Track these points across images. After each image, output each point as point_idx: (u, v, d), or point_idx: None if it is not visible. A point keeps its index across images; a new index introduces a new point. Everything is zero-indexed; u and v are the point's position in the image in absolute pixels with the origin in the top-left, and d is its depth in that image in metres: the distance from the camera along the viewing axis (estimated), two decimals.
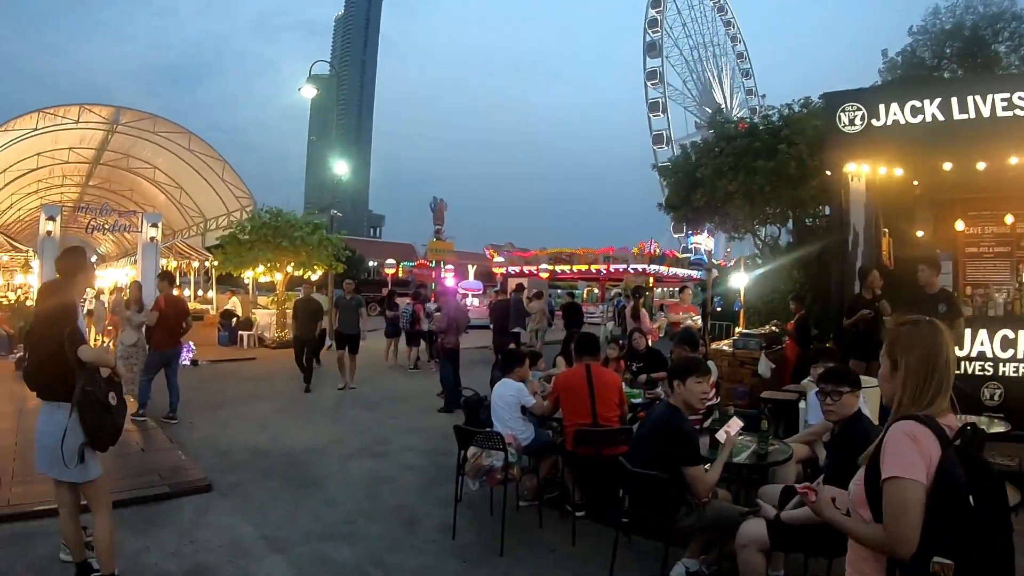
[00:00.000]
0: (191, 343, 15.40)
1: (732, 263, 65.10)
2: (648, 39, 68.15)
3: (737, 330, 12.86)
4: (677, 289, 51.46)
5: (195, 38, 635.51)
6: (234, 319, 19.88)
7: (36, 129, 19.29)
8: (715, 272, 61.37)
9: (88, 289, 13.05)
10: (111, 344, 12.64)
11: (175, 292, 10.19)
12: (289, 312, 19.87)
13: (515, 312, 14.86)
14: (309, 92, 20.42)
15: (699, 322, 11.89)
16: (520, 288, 16.49)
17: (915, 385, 2.11)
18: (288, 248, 18.06)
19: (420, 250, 69.55)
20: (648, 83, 68.15)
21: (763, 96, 72.91)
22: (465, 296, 32.88)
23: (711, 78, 73.98)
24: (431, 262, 53.05)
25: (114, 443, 4.02)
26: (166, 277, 9.71)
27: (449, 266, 40.15)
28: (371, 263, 68.53)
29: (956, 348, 6.58)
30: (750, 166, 15.67)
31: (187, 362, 14.83)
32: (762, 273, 14.73)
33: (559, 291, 33.27)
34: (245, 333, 19.25)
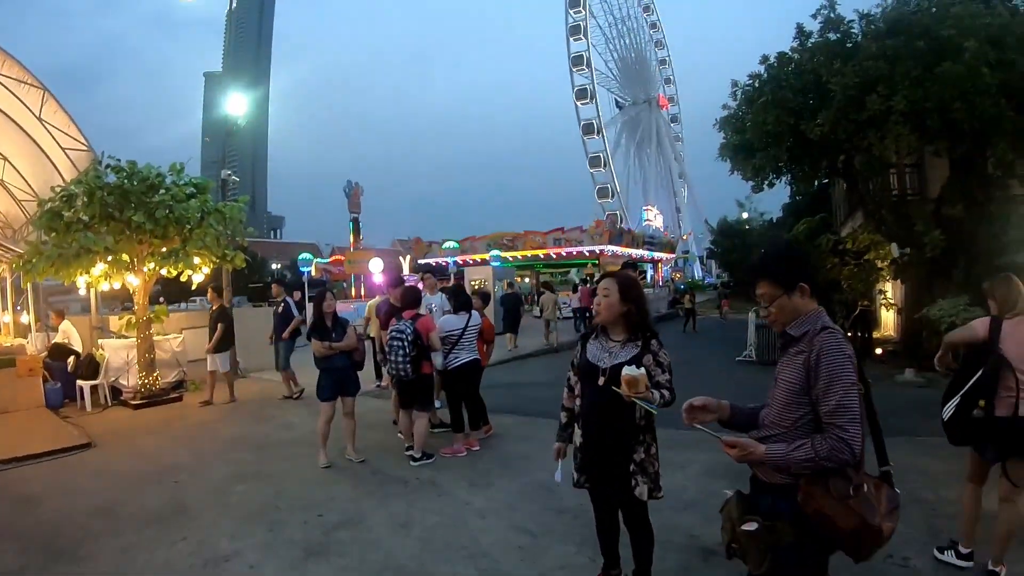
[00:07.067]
0: None
1: (683, 239, 61.34)
2: (571, 21, 65.69)
3: None
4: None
5: (89, 39, 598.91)
6: (70, 359, 11.52)
7: None
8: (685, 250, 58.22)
9: None
10: None
11: None
12: (168, 340, 12.02)
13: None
14: None
15: None
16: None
17: None
18: (147, 227, 9.94)
19: (324, 249, 67.07)
20: (574, 69, 65.84)
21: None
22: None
23: (630, 54, 72.58)
24: (346, 260, 45.91)
25: None
26: None
27: (376, 259, 32.31)
28: (274, 265, 62.15)
29: None
30: (913, 75, 11.68)
31: None
32: None
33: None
34: (88, 383, 10.94)
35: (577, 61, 64.68)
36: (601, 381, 3.41)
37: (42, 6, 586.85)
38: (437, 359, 7.04)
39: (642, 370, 3.19)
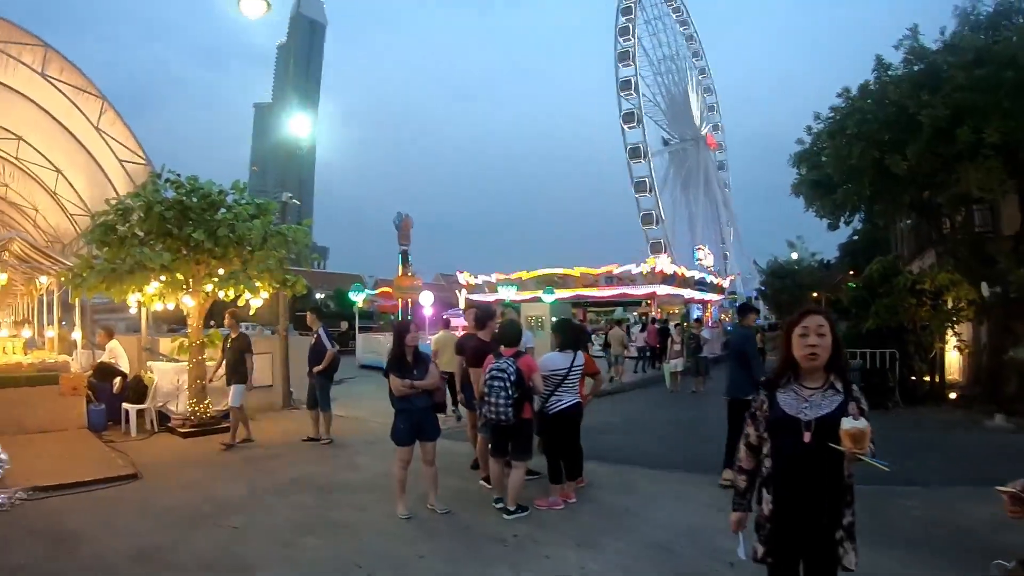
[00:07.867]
0: None
1: (731, 279, 60.45)
2: (620, 48, 64.93)
3: None
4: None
5: (139, 65, 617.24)
6: (116, 380, 10.86)
7: None
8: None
9: None
10: None
11: None
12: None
13: None
14: (252, 9, 11.55)
15: None
16: None
17: None
18: (207, 246, 9.41)
19: (368, 281, 66.32)
20: (621, 94, 64.57)
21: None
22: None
23: (678, 91, 71.78)
24: (395, 286, 45.69)
25: None
26: None
27: (427, 292, 31.74)
28: (319, 295, 62.48)
29: None
30: (1004, 106, 10.93)
31: None
32: None
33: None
34: (134, 407, 10.28)
35: (625, 86, 63.73)
36: (807, 437, 2.73)
37: (97, 32, 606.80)
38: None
39: (864, 422, 2.57)
